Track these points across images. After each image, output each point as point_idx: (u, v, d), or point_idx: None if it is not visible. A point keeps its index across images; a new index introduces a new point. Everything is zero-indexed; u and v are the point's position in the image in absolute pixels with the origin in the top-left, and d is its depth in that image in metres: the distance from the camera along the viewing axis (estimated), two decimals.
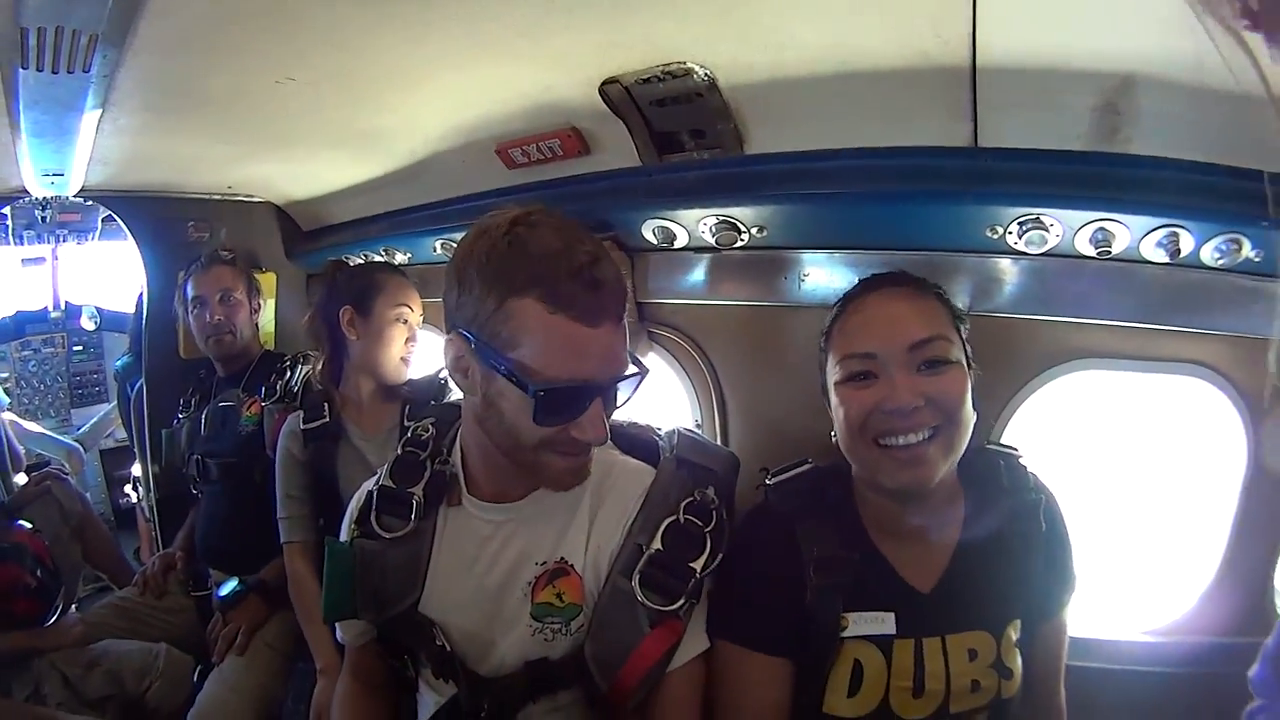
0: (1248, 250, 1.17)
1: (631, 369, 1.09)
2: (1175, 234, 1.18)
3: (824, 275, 1.53)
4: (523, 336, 1.00)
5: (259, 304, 2.40)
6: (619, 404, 1.12)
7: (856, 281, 1.25)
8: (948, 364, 1.12)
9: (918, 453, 1.10)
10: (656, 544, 1.16)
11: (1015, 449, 1.29)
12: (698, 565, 1.16)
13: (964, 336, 1.17)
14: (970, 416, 1.13)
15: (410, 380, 1.93)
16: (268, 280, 2.56)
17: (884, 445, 1.11)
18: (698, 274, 1.68)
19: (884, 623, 1.19)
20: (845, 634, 1.19)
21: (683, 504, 1.19)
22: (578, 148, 1.64)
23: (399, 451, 1.28)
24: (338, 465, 1.88)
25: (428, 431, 1.29)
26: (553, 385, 1.00)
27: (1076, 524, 1.28)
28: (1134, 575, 1.57)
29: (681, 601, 1.15)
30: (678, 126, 1.50)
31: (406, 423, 1.77)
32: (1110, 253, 1.24)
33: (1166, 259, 1.22)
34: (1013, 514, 1.22)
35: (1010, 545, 1.21)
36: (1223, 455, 1.44)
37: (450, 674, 1.23)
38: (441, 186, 2.01)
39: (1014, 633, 1.22)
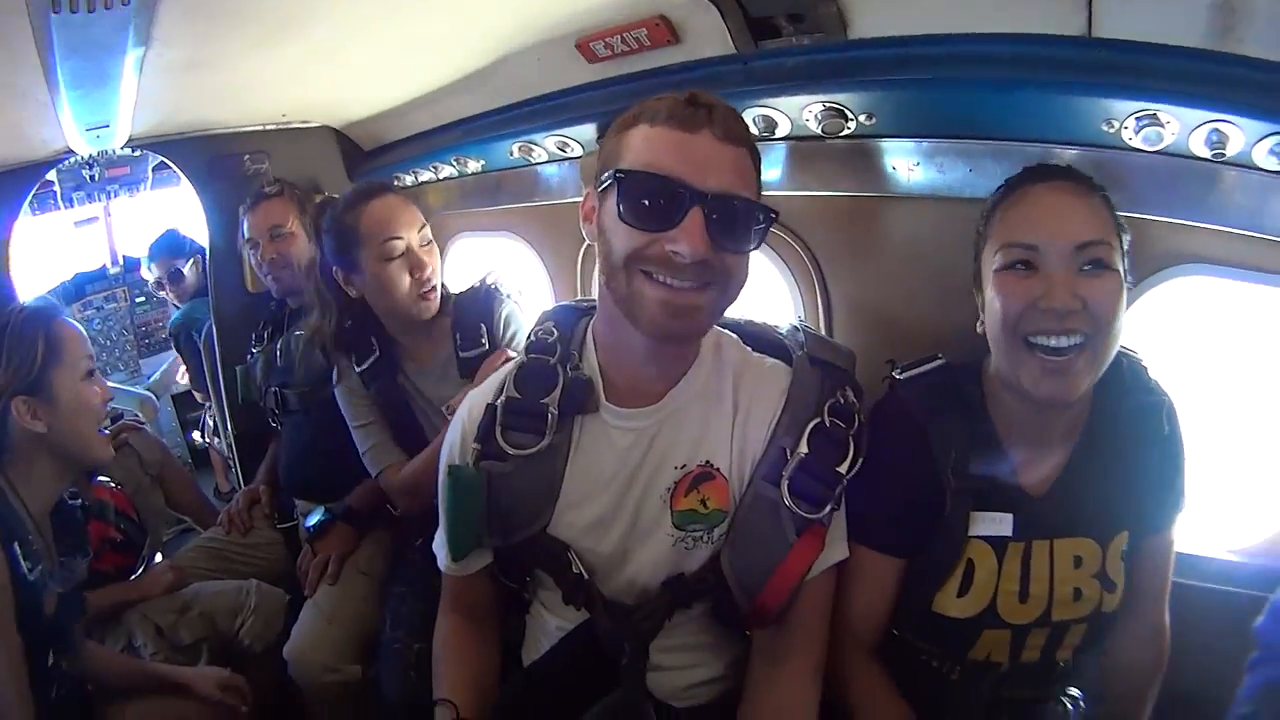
0: None
1: (745, 193, 1.05)
2: None
3: (933, 166, 1.47)
4: (626, 153, 1.05)
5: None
6: (740, 244, 1.06)
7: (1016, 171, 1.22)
8: (1109, 269, 1.11)
9: (1065, 363, 1.10)
10: (803, 448, 1.14)
11: (1137, 352, 1.28)
12: (843, 469, 1.14)
13: (1125, 248, 1.15)
14: (1120, 330, 1.12)
15: (457, 296, 1.89)
16: None
17: (1033, 344, 1.10)
18: (799, 165, 1.63)
19: (1002, 524, 1.21)
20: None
21: (826, 405, 1.16)
22: (666, 37, 1.59)
23: (524, 358, 1.22)
24: (407, 398, 1.87)
25: (552, 335, 1.22)
26: (637, 168, 1.02)
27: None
28: (1225, 491, 1.55)
29: (828, 509, 1.13)
30: (775, 10, 1.45)
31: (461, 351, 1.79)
32: (1224, 156, 1.20)
33: (1278, 167, 1.17)
34: (1134, 416, 1.22)
35: (1127, 450, 1.22)
36: None
37: (584, 601, 1.20)
38: (516, 87, 1.98)
39: (1121, 545, 1.23)
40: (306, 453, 2.25)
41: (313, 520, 2.09)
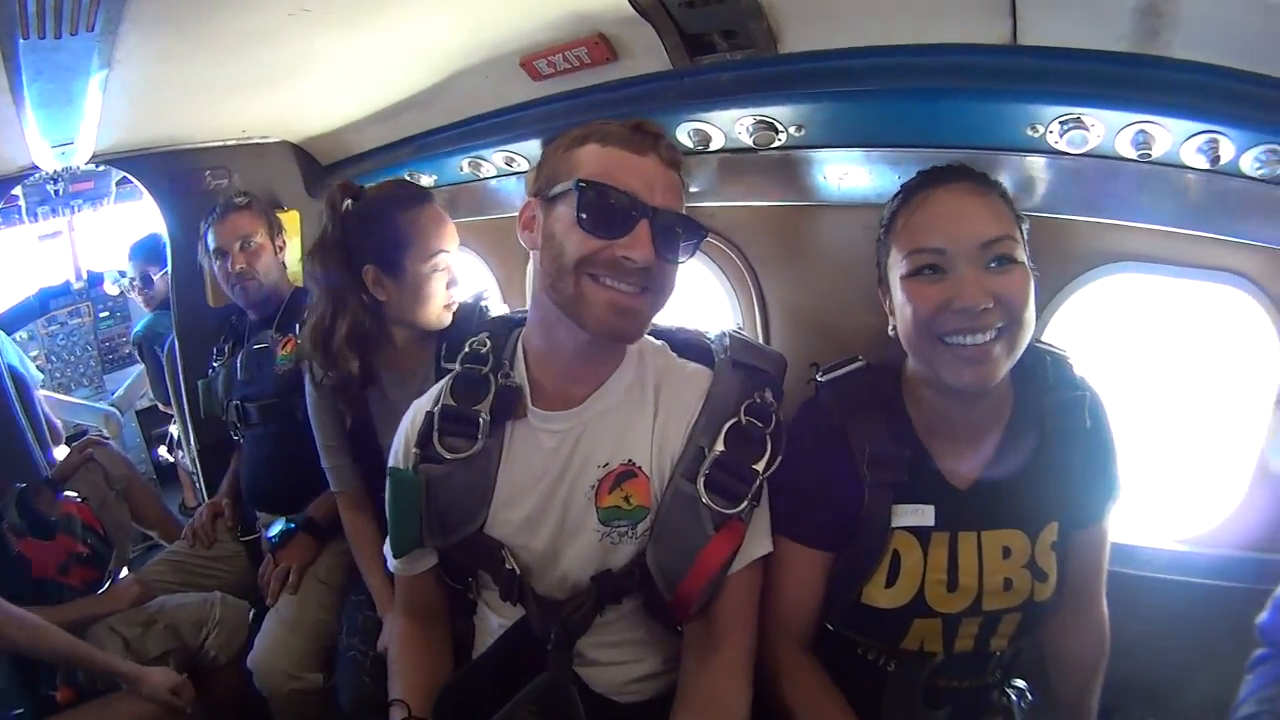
0: None
1: (682, 211, 1.18)
2: (1215, 140, 1.21)
3: (863, 174, 1.56)
4: (580, 167, 1.15)
5: (283, 242, 2.45)
6: (676, 256, 1.18)
7: (915, 174, 1.28)
8: (1014, 263, 1.16)
9: (983, 352, 1.14)
10: (719, 446, 1.21)
11: (1063, 349, 1.33)
12: (760, 466, 1.21)
13: (1024, 236, 1.20)
14: (1032, 317, 1.17)
15: None
16: (291, 219, 2.62)
17: (949, 343, 1.15)
18: (733, 176, 1.71)
19: (923, 515, 1.27)
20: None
21: (743, 406, 1.23)
22: (605, 55, 1.66)
23: (458, 368, 1.32)
24: (371, 410, 1.88)
25: (485, 346, 1.33)
26: (597, 180, 1.11)
27: (1115, 428, 1.32)
28: (1167, 483, 1.63)
29: (745, 504, 1.19)
30: (708, 28, 1.52)
31: (445, 363, 1.79)
32: (1151, 156, 1.27)
33: (1207, 165, 1.25)
34: (1056, 411, 1.28)
35: (1052, 443, 1.28)
36: (1258, 367, 1.48)
37: (518, 597, 1.28)
38: (465, 105, 2.04)
39: (1051, 536, 1.28)
40: (267, 465, 2.31)
41: (274, 531, 2.15)
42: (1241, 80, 1.16)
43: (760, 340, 1.83)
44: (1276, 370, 1.46)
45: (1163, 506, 1.63)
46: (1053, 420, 1.27)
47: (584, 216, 1.12)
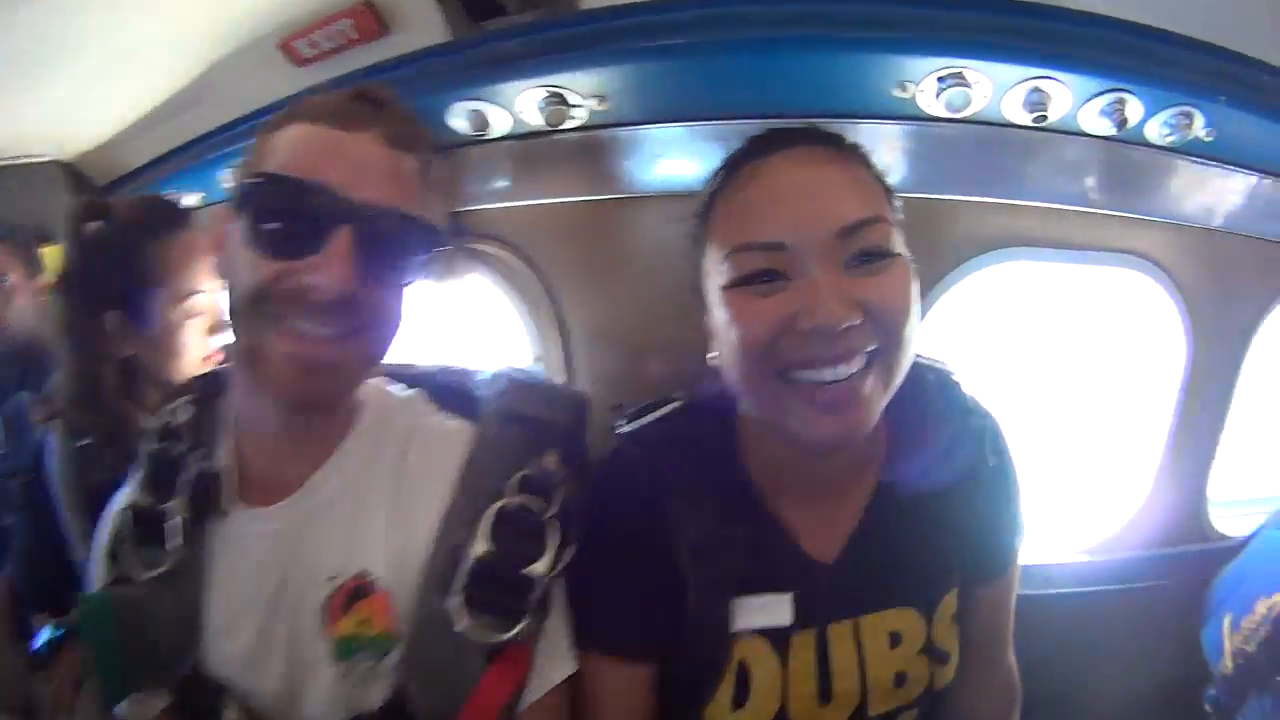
0: (1199, 128, 1.14)
1: (411, 210, 0.86)
2: (1122, 100, 1.12)
3: (684, 155, 1.31)
4: (270, 157, 0.85)
5: (43, 284, 2.04)
6: (398, 276, 0.87)
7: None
8: (889, 257, 0.85)
9: (849, 390, 0.83)
10: (481, 544, 0.88)
11: (945, 364, 1.06)
12: (540, 568, 0.89)
13: (898, 218, 0.90)
14: (915, 331, 0.87)
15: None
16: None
17: (796, 380, 0.84)
18: (523, 169, 1.44)
19: (776, 610, 0.96)
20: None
21: (517, 479, 0.91)
22: (374, 27, 1.40)
23: (150, 448, 0.99)
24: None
25: (187, 413, 0.99)
26: (278, 172, 0.80)
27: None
28: (1067, 490, 1.56)
29: (524, 623, 0.88)
30: None
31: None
32: (1046, 119, 1.15)
33: (1112, 129, 1.15)
34: (949, 446, 0.99)
35: (945, 490, 0.99)
36: (1160, 354, 1.43)
37: None
38: (228, 103, 1.72)
39: (950, 607, 1.01)
40: (34, 555, 1.88)
41: (40, 640, 1.78)
42: (1144, 36, 1.07)
43: (563, 376, 1.52)
44: (1182, 358, 1.35)
45: (1064, 519, 1.53)
46: (945, 460, 0.99)
47: (256, 228, 0.81)
